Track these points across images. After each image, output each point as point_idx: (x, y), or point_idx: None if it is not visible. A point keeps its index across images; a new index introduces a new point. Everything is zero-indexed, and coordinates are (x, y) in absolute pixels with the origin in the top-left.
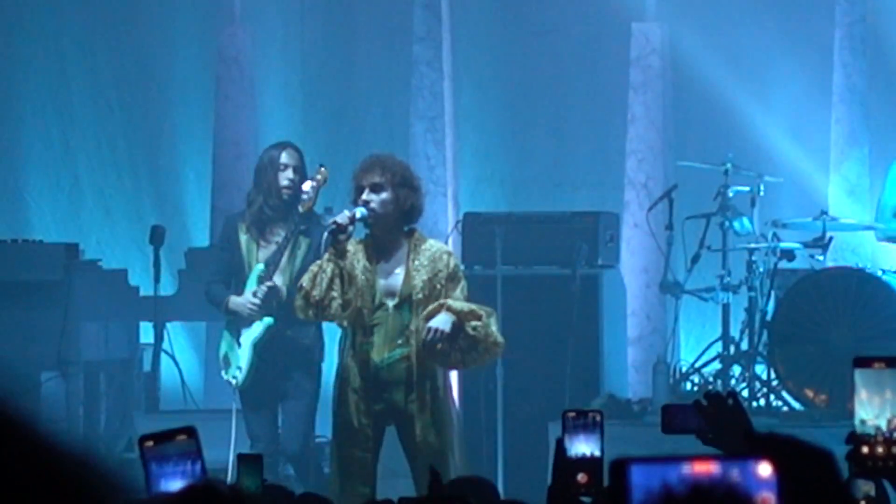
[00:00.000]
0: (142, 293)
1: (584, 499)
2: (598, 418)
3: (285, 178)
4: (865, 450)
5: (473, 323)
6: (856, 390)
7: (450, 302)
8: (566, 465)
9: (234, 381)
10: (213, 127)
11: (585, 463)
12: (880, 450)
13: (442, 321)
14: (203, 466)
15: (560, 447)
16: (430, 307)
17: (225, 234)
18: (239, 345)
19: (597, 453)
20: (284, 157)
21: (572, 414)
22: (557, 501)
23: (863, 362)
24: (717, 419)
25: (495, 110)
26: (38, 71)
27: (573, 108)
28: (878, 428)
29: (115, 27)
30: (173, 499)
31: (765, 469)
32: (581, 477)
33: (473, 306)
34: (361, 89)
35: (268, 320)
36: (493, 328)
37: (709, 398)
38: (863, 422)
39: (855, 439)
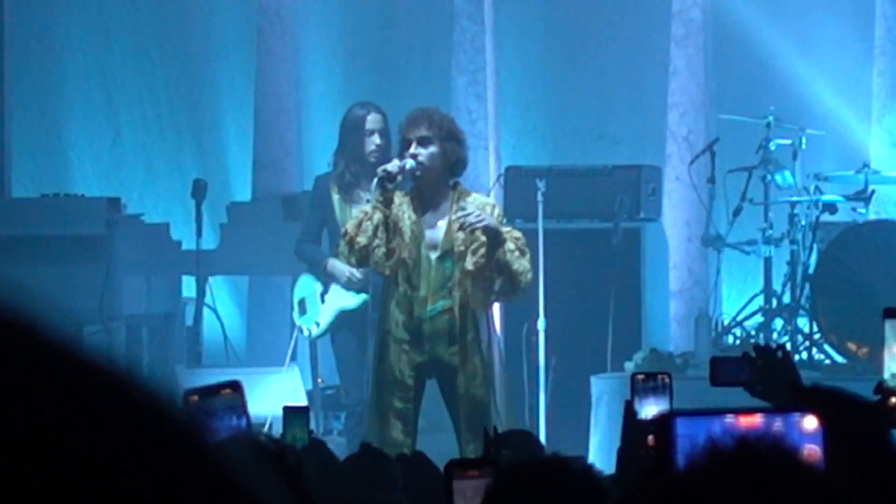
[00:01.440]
0: (184, 247)
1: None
2: (667, 380)
3: (372, 143)
4: (894, 401)
5: (517, 253)
6: (886, 341)
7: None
8: (636, 427)
9: (306, 332)
10: (255, 80)
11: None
12: (894, 400)
13: (487, 216)
14: (248, 421)
15: (629, 409)
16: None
17: (316, 193)
18: (322, 300)
19: None
20: (370, 123)
21: (642, 376)
22: (628, 463)
23: (892, 312)
24: (766, 371)
25: (537, 64)
26: (81, 26)
27: (615, 61)
28: None
29: None
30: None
31: (810, 422)
32: (651, 439)
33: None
34: (403, 43)
35: (365, 296)
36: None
37: (758, 351)
38: (893, 374)
39: (883, 391)
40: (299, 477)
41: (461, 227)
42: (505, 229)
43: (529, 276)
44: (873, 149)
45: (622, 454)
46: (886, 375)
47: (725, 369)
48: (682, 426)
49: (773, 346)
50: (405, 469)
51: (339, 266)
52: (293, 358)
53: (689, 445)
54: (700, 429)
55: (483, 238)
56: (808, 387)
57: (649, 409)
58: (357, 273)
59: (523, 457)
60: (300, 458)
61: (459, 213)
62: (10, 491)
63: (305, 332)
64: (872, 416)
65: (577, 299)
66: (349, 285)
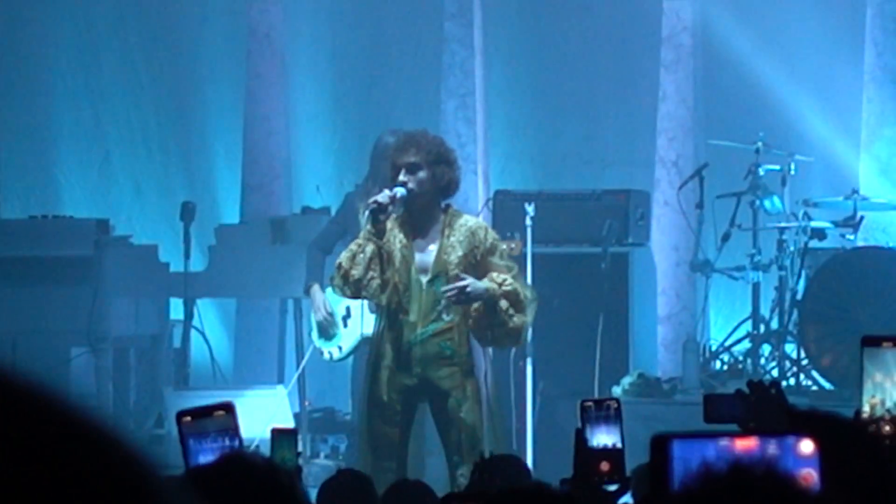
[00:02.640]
0: (172, 269)
1: (609, 487)
2: (616, 406)
3: None
4: (872, 429)
5: (511, 311)
6: (864, 370)
7: (503, 279)
8: (587, 454)
9: (326, 355)
10: (244, 103)
11: (607, 452)
12: (887, 429)
13: (476, 283)
14: (241, 442)
15: (580, 437)
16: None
17: (343, 210)
18: (345, 324)
19: (618, 444)
20: None
21: (590, 404)
22: (580, 491)
23: (871, 341)
24: (759, 408)
25: (526, 88)
26: (70, 47)
27: (604, 85)
28: (885, 407)
29: (145, 4)
30: (208, 470)
31: (807, 446)
32: (604, 465)
33: (520, 293)
34: (392, 66)
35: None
36: (528, 318)
37: (752, 387)
38: (870, 401)
39: (861, 420)
40: (293, 496)
41: (454, 301)
42: (492, 284)
43: (527, 329)
44: (862, 175)
45: (574, 483)
46: (864, 404)
47: (719, 406)
48: (678, 448)
49: (767, 382)
50: (403, 497)
51: (318, 299)
52: (280, 380)
53: (684, 468)
54: (696, 451)
55: (474, 262)
56: (803, 411)
57: (600, 437)
58: (329, 319)
59: (507, 485)
60: (293, 477)
61: (446, 291)
62: None
63: (326, 356)
64: (869, 441)
65: (564, 323)
66: (319, 323)
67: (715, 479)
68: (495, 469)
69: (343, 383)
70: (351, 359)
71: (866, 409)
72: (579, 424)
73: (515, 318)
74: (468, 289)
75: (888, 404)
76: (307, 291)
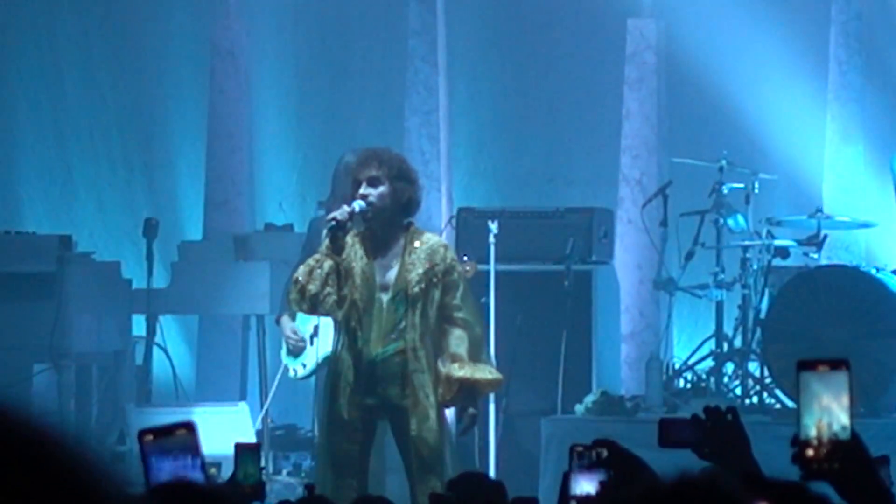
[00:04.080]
0: (134, 286)
1: None
2: (603, 455)
3: None
4: (810, 453)
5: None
6: (800, 392)
7: (461, 374)
8: (570, 501)
9: (292, 372)
10: (207, 119)
11: (587, 501)
12: (825, 452)
13: (471, 411)
14: (203, 462)
15: (566, 482)
16: (453, 379)
17: (310, 236)
18: (311, 342)
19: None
20: None
21: (580, 449)
22: None
23: (806, 365)
24: (715, 434)
25: (489, 105)
26: (32, 62)
27: (568, 103)
28: (823, 430)
29: (109, 19)
30: (148, 496)
31: None
32: None
33: (478, 373)
34: (356, 83)
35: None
36: (490, 373)
37: (708, 413)
38: (808, 424)
39: (799, 442)
40: None
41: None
42: (479, 377)
43: (497, 379)
44: (826, 193)
45: None
46: (801, 426)
47: (673, 431)
48: None
49: (724, 408)
50: None
51: (285, 324)
52: (243, 397)
53: None
54: None
55: (435, 280)
56: (761, 478)
57: (585, 485)
58: (293, 340)
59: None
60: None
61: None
62: None
63: (291, 373)
64: None
65: (527, 341)
66: (289, 345)
67: (660, 489)
68: (468, 486)
69: (305, 401)
70: (314, 377)
71: (813, 432)
72: (567, 469)
73: (491, 376)
74: (472, 413)
75: (835, 428)
76: (278, 321)
